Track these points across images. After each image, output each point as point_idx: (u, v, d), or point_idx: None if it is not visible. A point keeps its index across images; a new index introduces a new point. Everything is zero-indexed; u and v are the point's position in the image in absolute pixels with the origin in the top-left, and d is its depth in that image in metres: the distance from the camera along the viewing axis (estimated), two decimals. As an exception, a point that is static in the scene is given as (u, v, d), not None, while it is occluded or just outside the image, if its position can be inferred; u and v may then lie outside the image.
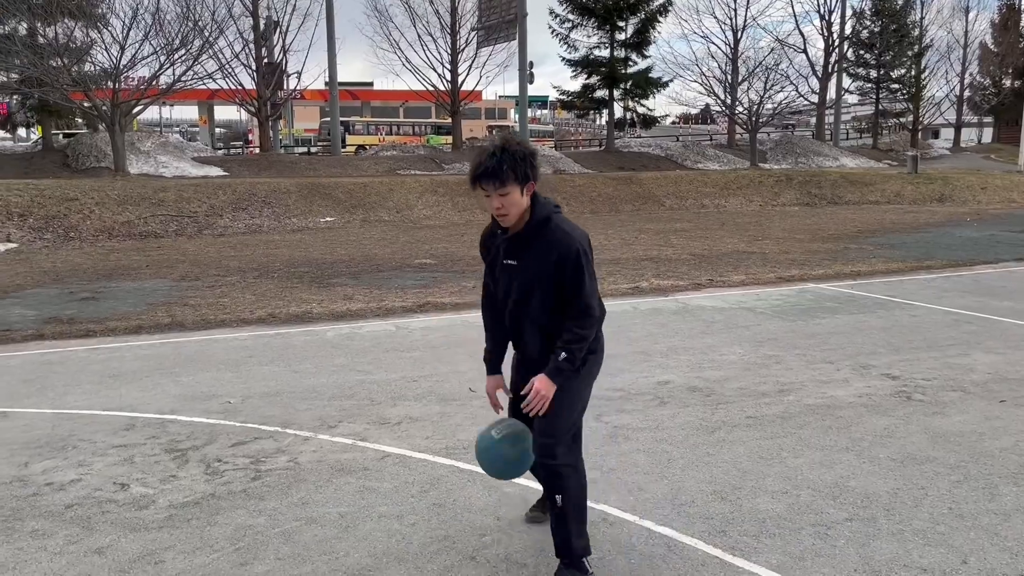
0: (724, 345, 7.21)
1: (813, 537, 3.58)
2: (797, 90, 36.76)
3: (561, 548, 3.23)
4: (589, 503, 3.96)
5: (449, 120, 35.01)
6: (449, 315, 8.76)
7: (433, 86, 31.59)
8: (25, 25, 23.44)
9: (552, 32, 34.91)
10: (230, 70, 27.83)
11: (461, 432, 5.00)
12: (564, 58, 35.10)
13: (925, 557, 3.40)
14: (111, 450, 4.81)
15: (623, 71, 34.56)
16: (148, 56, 22.71)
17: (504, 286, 3.25)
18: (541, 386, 3.05)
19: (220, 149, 44.44)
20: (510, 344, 3.42)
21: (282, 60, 30.73)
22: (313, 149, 42.89)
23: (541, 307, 3.15)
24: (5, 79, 24.70)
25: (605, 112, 36.50)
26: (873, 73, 44.65)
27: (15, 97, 28.74)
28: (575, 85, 36.11)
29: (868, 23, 44.54)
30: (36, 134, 35.60)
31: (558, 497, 3.17)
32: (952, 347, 7.02)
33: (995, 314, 8.42)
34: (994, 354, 6.77)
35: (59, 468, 4.54)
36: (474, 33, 32.42)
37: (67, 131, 35.95)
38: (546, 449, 3.16)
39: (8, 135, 48.92)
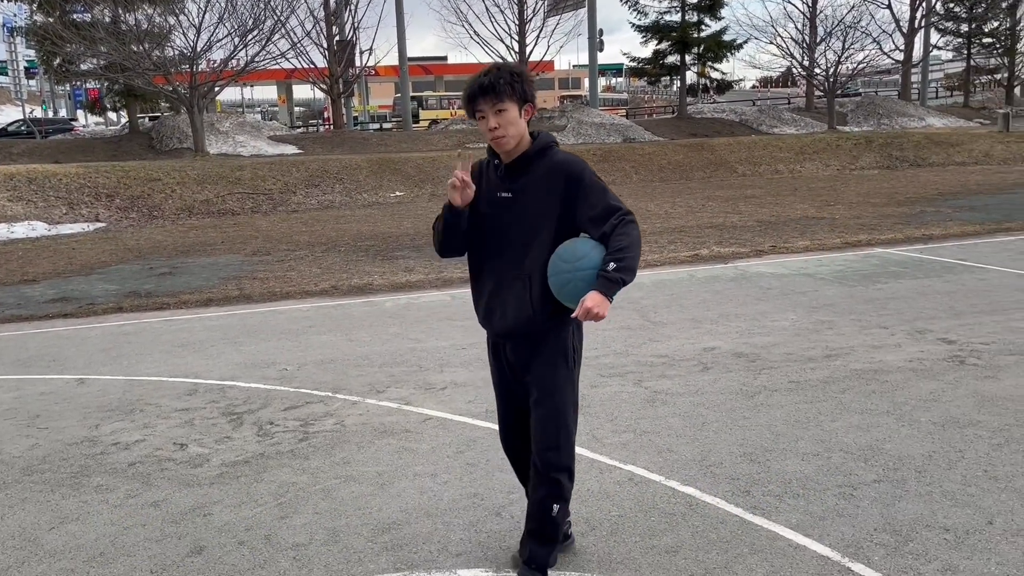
0: (777, 311, 7.13)
1: (837, 498, 3.58)
2: (880, 48, 35.23)
3: (536, 559, 3.01)
4: (617, 464, 4.08)
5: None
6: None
7: (501, 58, 31.52)
8: (108, 12, 24.43)
9: (622, -1, 34.35)
10: (302, 49, 28.34)
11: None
12: (634, 24, 34.54)
13: (950, 518, 3.37)
14: (174, 413, 5.13)
15: (695, 35, 33.79)
16: (223, 38, 23.40)
17: (492, 226, 2.89)
18: (594, 303, 2.64)
19: (299, 127, 45.48)
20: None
21: (353, 37, 31.15)
22: (387, 125, 43.45)
23: (539, 252, 2.81)
24: (94, 65, 25.83)
25: (677, 78, 35.80)
26: (964, 27, 42.40)
27: (105, 83, 29.99)
28: (646, 52, 35.56)
29: (958, -26, 42.20)
30: (124, 118, 37.14)
31: (555, 507, 2.95)
32: (1018, 311, 6.77)
33: (1072, 277, 8.06)
34: (1063, 318, 6.51)
35: (126, 429, 4.87)
36: (542, 3, 32.17)
37: (152, 114, 37.40)
38: (552, 462, 2.91)
39: (100, 119, 51.22)
